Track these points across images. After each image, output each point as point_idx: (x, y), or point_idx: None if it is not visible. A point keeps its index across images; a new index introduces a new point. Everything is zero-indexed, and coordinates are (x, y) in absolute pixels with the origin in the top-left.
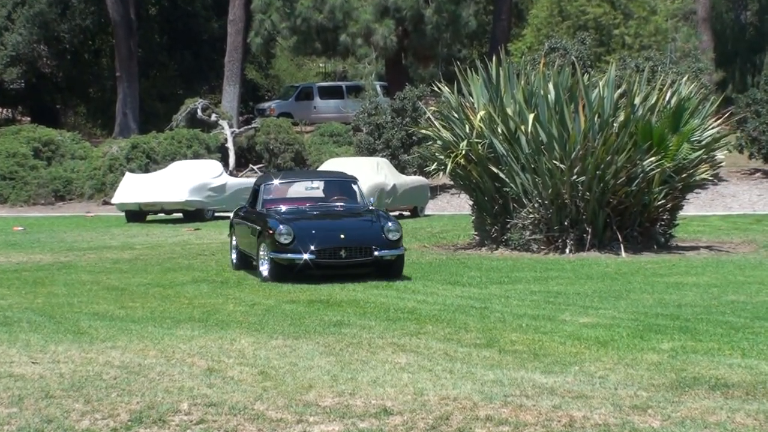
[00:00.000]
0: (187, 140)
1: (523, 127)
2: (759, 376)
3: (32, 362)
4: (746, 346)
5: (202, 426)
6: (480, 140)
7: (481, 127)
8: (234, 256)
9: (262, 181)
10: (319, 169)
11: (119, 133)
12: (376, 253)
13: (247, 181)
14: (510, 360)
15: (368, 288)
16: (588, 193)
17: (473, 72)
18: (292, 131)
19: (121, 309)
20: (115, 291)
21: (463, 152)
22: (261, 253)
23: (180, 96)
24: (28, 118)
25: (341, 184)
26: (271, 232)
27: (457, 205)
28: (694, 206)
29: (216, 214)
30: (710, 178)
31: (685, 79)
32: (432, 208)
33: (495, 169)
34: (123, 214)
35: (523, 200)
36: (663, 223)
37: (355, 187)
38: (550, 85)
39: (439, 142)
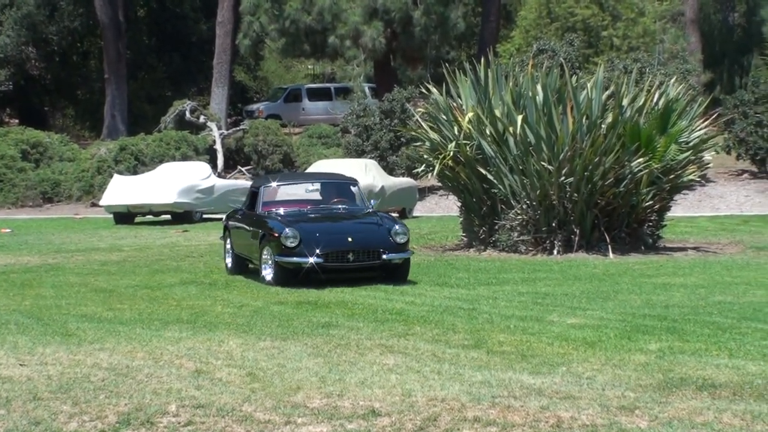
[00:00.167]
0: (175, 142)
1: (511, 129)
2: (746, 376)
3: (20, 364)
4: (733, 347)
5: (190, 428)
6: (468, 142)
7: (469, 129)
8: (229, 260)
9: (261, 184)
10: (307, 170)
11: (107, 135)
12: (384, 256)
13: (236, 183)
14: (498, 361)
15: (356, 289)
16: (576, 195)
17: (462, 73)
18: (280, 133)
19: (109, 311)
20: (103, 293)
21: (452, 154)
22: (264, 256)
23: (168, 98)
24: (16, 120)
25: (341, 186)
26: (276, 235)
27: (446, 206)
28: (682, 207)
29: (204, 216)
30: (698, 179)
31: (673, 80)
32: (420, 209)
33: (483, 171)
34: (111, 216)
35: (511, 201)
36: (651, 224)
37: (355, 189)
38: (539, 87)
39: (427, 143)
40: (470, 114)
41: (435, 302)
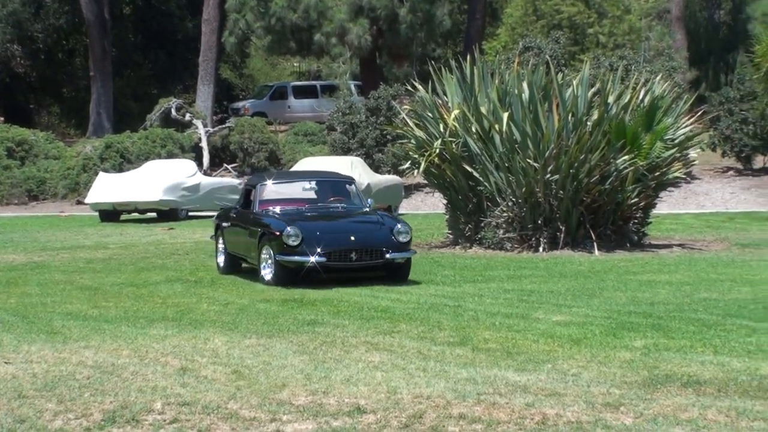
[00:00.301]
0: (161, 140)
1: (497, 126)
2: (731, 373)
3: (5, 362)
4: (718, 343)
5: (176, 425)
6: (454, 139)
7: (455, 126)
8: (221, 259)
9: (257, 182)
10: (293, 168)
11: (93, 132)
12: (387, 255)
13: (222, 180)
14: (483, 358)
15: (342, 287)
16: (561, 192)
17: (447, 71)
18: (266, 130)
19: (94, 309)
20: (88, 291)
21: (437, 151)
22: (263, 256)
23: (154, 95)
24: (2, 118)
25: (339, 185)
26: (277, 233)
27: (431, 203)
28: (667, 204)
29: (190, 214)
30: (683, 176)
31: (658, 77)
32: (406, 207)
33: (469, 168)
34: (97, 213)
35: (497, 199)
36: (636, 221)
37: (352, 187)
38: (524, 84)
39: (413, 141)
40: (456, 111)
41: (420, 299)
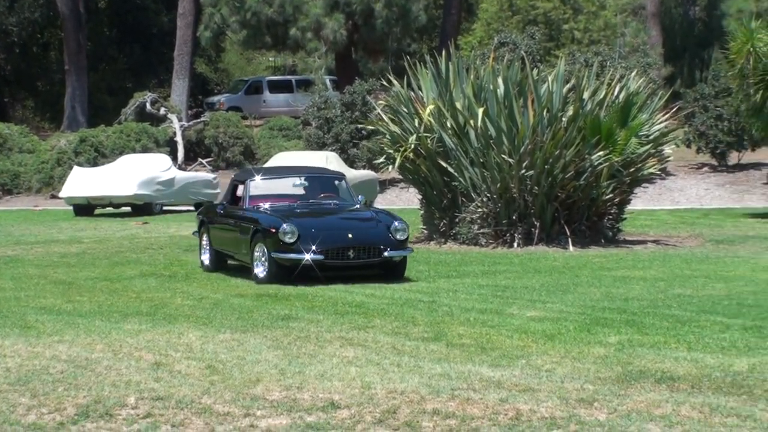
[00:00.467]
0: (135, 134)
1: (472, 122)
2: (704, 369)
3: None
4: (692, 340)
5: (149, 420)
6: (429, 134)
7: (430, 122)
8: (205, 257)
9: (246, 177)
10: (268, 163)
11: (68, 126)
12: (386, 253)
13: (196, 175)
14: (457, 353)
15: (315, 282)
16: (536, 188)
17: (423, 66)
18: (241, 125)
19: (68, 303)
20: (62, 285)
21: (412, 146)
22: (256, 253)
23: (129, 89)
24: None
25: (329, 181)
26: (273, 230)
27: (406, 199)
28: (642, 200)
29: (164, 208)
30: (658, 172)
31: (633, 74)
32: (381, 202)
33: (444, 164)
34: (71, 207)
35: (472, 194)
36: (611, 217)
37: (343, 183)
38: (500, 80)
39: (388, 136)
40: (431, 107)
41: (395, 295)
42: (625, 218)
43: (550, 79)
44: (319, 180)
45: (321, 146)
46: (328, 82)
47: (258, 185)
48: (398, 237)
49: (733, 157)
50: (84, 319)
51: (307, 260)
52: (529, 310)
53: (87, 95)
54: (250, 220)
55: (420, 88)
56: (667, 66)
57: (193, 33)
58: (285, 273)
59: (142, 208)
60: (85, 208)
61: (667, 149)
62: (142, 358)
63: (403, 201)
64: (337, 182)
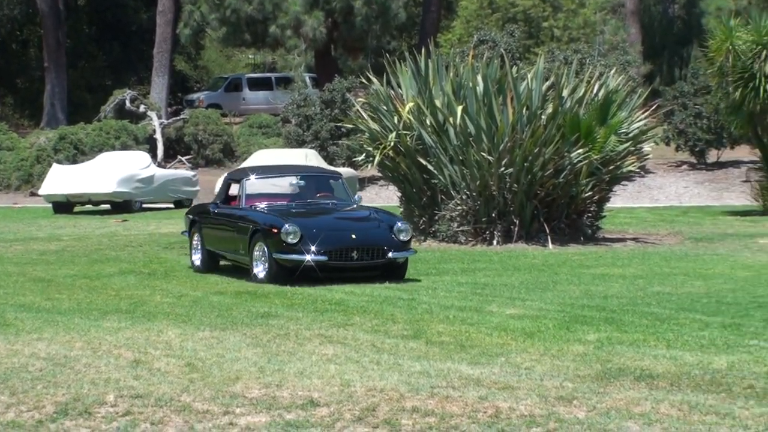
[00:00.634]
0: (115, 131)
1: (451, 119)
2: (683, 366)
3: None
4: (671, 337)
5: (128, 418)
6: (408, 132)
7: (409, 119)
8: (196, 257)
9: (241, 176)
10: (247, 161)
11: (47, 123)
12: (389, 254)
13: (176, 172)
14: (437, 351)
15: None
16: (516, 185)
17: (402, 64)
18: (220, 122)
19: (47, 300)
20: (41, 282)
21: (392, 144)
22: (256, 253)
23: (108, 87)
24: None
25: (326, 180)
26: (275, 231)
27: (386, 196)
28: (621, 198)
29: (144, 206)
30: (637, 170)
31: (613, 71)
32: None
33: (423, 161)
34: (50, 205)
35: (451, 192)
36: (590, 215)
37: (340, 182)
38: (479, 77)
39: (367, 133)
40: (410, 104)
41: (374, 292)
42: (605, 216)
43: (529, 76)
44: (316, 179)
45: (300, 144)
46: (307, 80)
47: (255, 184)
48: (402, 238)
49: (712, 155)
50: (63, 316)
51: (309, 262)
52: (508, 308)
53: (66, 92)
54: (248, 220)
55: (399, 86)
56: (646, 64)
57: (173, 30)
58: (286, 274)
59: (121, 205)
60: (64, 206)
61: (647, 147)
62: (121, 356)
63: (382, 199)
64: (334, 181)
